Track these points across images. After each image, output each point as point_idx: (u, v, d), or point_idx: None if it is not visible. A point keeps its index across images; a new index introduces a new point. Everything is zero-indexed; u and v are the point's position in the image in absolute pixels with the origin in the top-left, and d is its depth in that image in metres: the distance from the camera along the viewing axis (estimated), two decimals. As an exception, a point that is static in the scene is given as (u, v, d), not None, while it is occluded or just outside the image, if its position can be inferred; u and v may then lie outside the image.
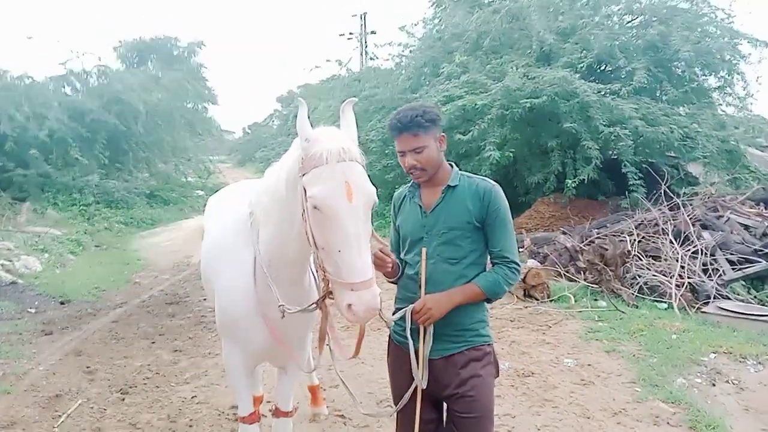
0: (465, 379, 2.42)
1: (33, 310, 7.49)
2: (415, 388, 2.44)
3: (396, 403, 2.59)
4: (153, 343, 6.33)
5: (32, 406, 4.66)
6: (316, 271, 2.22)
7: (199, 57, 24.63)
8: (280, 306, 2.46)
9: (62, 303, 7.96)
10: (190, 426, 4.34)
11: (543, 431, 4.14)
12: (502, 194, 2.47)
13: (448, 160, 2.58)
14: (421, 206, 2.52)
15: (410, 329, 2.39)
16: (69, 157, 15.53)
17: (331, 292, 2.18)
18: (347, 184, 2.05)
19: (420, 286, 2.41)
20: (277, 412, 3.17)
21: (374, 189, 2.16)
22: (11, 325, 6.74)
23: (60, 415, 4.49)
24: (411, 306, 2.39)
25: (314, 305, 2.37)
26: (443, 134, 2.48)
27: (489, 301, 2.48)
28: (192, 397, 4.86)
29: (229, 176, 25.33)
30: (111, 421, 4.43)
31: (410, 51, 16.11)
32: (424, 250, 2.43)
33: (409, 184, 2.63)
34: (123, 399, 4.85)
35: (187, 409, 4.63)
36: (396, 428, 2.69)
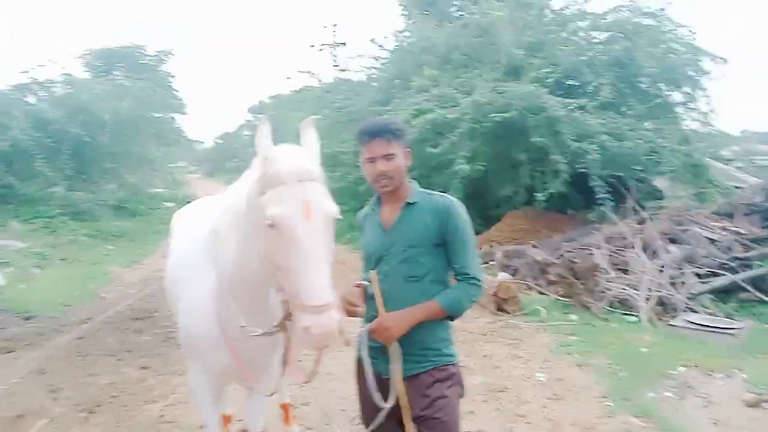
0: (431, 401, 2.38)
1: (-6, 327, 7.25)
2: (384, 408, 2.37)
3: (364, 421, 2.54)
4: (119, 360, 6.17)
5: (-8, 428, 4.50)
6: (276, 293, 2.15)
7: (167, 66, 24.50)
8: (242, 327, 2.40)
9: (26, 319, 7.73)
10: (158, 447, 4.24)
11: (516, 447, 4.15)
12: (463, 210, 2.46)
13: (410, 178, 2.58)
14: (380, 224, 2.51)
15: (371, 348, 2.38)
16: (33, 168, 15.14)
17: (291, 314, 2.12)
18: (306, 203, 2.01)
19: (376, 307, 2.37)
20: (247, 434, 3.11)
21: (335, 207, 2.12)
22: (-29, 343, 6.51)
23: (22, 438, 4.35)
24: (368, 325, 2.37)
25: (276, 328, 2.29)
26: (409, 150, 2.50)
27: (451, 318, 2.44)
28: (160, 416, 4.75)
29: (198, 187, 25.06)
30: (75, 443, 4.31)
31: (381, 63, 16.18)
32: (373, 273, 2.42)
33: (372, 202, 2.63)
34: (88, 419, 4.72)
35: (154, 429, 4.52)
36: None
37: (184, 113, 24.71)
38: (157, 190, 23.11)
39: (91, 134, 16.75)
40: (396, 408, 2.39)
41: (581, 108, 10.86)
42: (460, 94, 11.67)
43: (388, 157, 2.39)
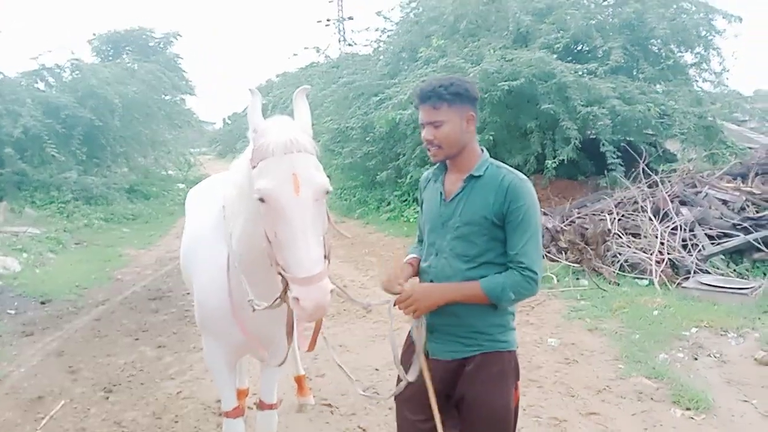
0: (476, 385, 2.25)
1: (13, 312, 7.36)
2: (415, 379, 2.29)
3: (399, 393, 2.45)
4: (136, 339, 6.28)
5: (14, 409, 4.60)
6: (271, 265, 2.14)
7: (174, 48, 24.36)
8: (249, 300, 2.43)
9: (43, 303, 7.83)
10: (176, 422, 4.33)
11: (528, 411, 4.17)
12: (530, 191, 2.21)
13: (481, 146, 2.37)
14: (442, 192, 2.33)
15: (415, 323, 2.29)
16: (45, 154, 15.19)
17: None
18: (294, 176, 2.00)
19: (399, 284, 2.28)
20: (261, 405, 3.16)
21: (326, 179, 2.10)
22: (-10, 328, 6.64)
23: (43, 417, 4.44)
24: (396, 297, 2.27)
25: (278, 300, 2.30)
26: (473, 113, 2.25)
27: (495, 306, 2.22)
28: (177, 393, 4.84)
29: (210, 168, 25.10)
30: (95, 421, 4.40)
31: (387, 36, 16.03)
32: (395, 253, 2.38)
33: (438, 166, 2.44)
34: (107, 398, 4.81)
35: (172, 405, 4.61)
36: (396, 416, 2.57)
37: (193, 95, 24.68)
38: (169, 172, 23.15)
39: (101, 119, 16.72)
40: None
41: (591, 73, 10.70)
42: (468, 64, 11.52)
43: (434, 124, 2.21)
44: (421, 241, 2.54)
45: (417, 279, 2.42)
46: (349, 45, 23.04)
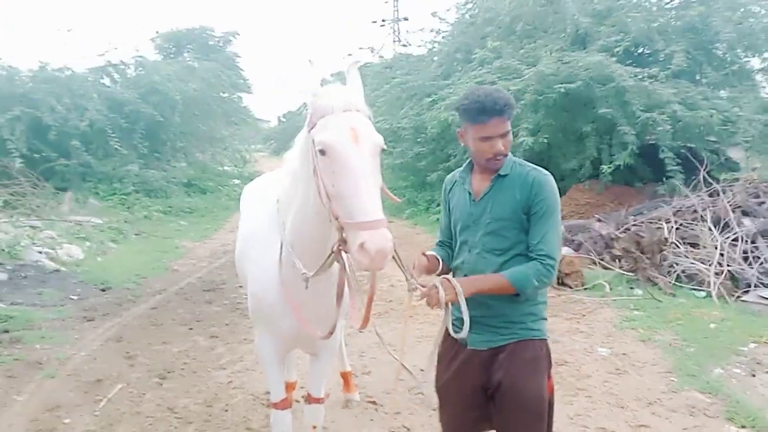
0: (510, 372, 2.36)
1: (75, 297, 7.71)
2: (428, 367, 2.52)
3: (436, 387, 2.62)
4: (190, 329, 6.48)
5: (74, 390, 4.82)
6: (331, 220, 2.18)
7: (233, 47, 24.90)
8: (302, 274, 2.48)
9: (103, 290, 8.17)
10: (226, 410, 4.45)
11: (576, 420, 4.13)
12: (552, 186, 2.36)
13: None
14: (470, 193, 2.48)
15: (456, 317, 2.35)
16: (109, 147, 15.85)
17: (345, 241, 2.15)
18: (353, 130, 2.10)
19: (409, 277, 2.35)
20: (309, 399, 3.22)
21: (381, 137, 2.19)
22: (55, 312, 6.94)
23: (101, 399, 4.64)
24: (433, 285, 2.29)
25: (331, 257, 2.34)
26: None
27: (518, 295, 2.33)
28: (228, 383, 4.97)
29: (264, 165, 25.58)
30: (150, 405, 4.56)
31: (442, 37, 15.99)
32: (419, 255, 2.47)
33: (463, 169, 2.58)
34: (161, 384, 4.99)
35: (223, 394, 4.74)
36: (439, 408, 2.68)
37: (250, 93, 25.20)
38: (225, 167, 23.73)
39: (162, 114, 17.32)
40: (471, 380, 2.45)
41: (652, 77, 10.43)
42: (523, 66, 11.41)
43: (506, 135, 2.33)
44: (441, 242, 2.70)
45: (433, 273, 2.55)
46: (403, 45, 23.11)
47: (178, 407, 4.52)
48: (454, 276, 2.45)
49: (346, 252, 2.22)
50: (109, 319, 6.81)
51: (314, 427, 3.20)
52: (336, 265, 2.45)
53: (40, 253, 9.18)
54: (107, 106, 16.34)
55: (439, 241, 2.71)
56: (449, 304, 2.28)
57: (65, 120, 15.18)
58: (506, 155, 2.37)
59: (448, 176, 2.68)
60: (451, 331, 2.36)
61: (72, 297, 7.74)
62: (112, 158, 16.18)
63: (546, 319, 2.48)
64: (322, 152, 2.10)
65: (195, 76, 19.63)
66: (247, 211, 3.41)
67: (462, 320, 2.27)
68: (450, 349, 2.53)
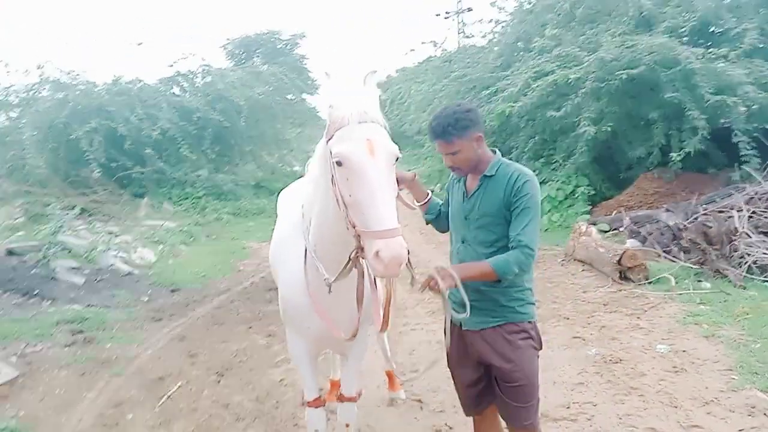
0: (504, 349, 2.63)
1: (146, 299, 8.11)
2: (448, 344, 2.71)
3: (450, 366, 2.93)
4: (250, 327, 6.68)
5: (138, 387, 5.07)
6: (348, 227, 2.27)
7: (300, 49, 25.36)
8: (325, 279, 2.56)
9: (173, 291, 8.55)
10: (276, 407, 4.58)
11: (625, 420, 3.98)
12: (534, 185, 2.58)
13: (493, 148, 2.75)
14: (464, 191, 2.77)
15: (453, 302, 2.55)
16: (180, 154, 16.56)
17: (362, 248, 2.22)
18: (368, 142, 2.16)
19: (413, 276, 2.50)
20: (341, 398, 3.27)
21: (396, 146, 2.25)
22: (126, 313, 7.33)
23: (161, 397, 4.87)
24: (430, 274, 2.49)
25: (349, 264, 2.43)
26: (480, 134, 2.62)
27: (500, 281, 2.55)
28: (280, 380, 5.11)
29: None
30: (206, 402, 4.75)
31: (502, 27, 15.70)
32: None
33: None
34: (219, 381, 5.18)
35: (275, 391, 4.88)
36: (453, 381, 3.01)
37: (315, 93, 25.56)
38: (295, 168, 24.21)
39: (229, 120, 17.89)
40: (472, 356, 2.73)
41: (722, 57, 9.88)
42: (583, 53, 11.06)
43: (451, 153, 2.61)
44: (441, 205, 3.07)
45: (421, 202, 3.02)
46: (467, 37, 22.82)
47: (232, 404, 4.69)
48: (451, 263, 2.78)
49: (363, 259, 2.31)
50: (176, 319, 7.12)
51: (347, 426, 3.25)
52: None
53: (115, 257, 9.70)
54: (177, 115, 17.05)
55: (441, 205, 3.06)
56: (446, 290, 2.46)
57: (139, 129, 15.96)
58: (459, 169, 2.67)
59: (451, 175, 2.95)
60: (453, 315, 2.54)
61: (143, 298, 8.14)
62: (183, 164, 16.89)
63: (534, 303, 2.74)
64: (339, 163, 2.17)
65: (260, 81, 20.14)
66: (281, 215, 3.51)
67: (458, 304, 2.51)
68: (453, 332, 2.75)
